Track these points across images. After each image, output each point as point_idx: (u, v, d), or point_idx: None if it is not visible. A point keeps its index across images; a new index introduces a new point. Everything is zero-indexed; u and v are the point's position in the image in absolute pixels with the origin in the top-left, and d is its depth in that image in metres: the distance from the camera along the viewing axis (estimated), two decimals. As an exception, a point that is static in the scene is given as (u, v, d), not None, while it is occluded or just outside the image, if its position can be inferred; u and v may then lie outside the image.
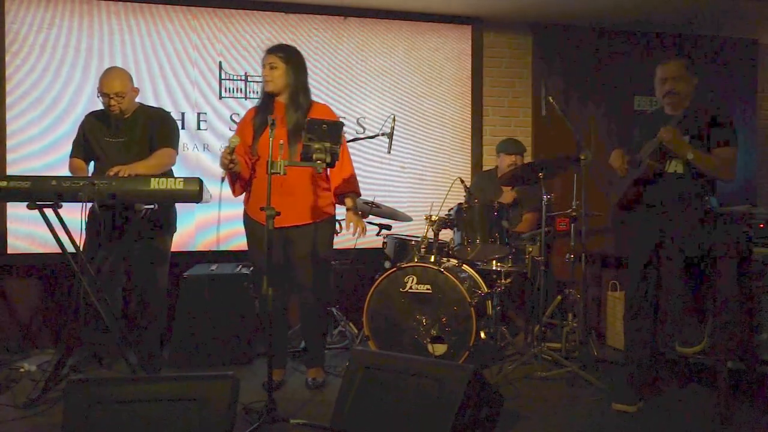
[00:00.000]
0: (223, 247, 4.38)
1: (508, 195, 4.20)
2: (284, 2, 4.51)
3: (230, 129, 4.43)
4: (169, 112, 3.59)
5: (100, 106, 3.41)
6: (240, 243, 4.36)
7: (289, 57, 3.16)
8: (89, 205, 2.85)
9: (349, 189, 3.20)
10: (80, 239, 2.89)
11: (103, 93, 3.28)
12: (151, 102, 4.13)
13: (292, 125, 3.08)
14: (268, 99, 3.18)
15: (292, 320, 3.68)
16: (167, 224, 3.42)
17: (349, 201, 3.20)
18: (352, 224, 3.17)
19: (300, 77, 3.17)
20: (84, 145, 3.40)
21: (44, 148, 4.14)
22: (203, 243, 4.37)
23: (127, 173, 3.07)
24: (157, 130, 3.37)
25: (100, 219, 3.21)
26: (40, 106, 4.16)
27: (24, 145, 4.14)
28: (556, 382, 3.38)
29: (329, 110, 3.29)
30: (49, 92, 4.17)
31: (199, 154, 4.38)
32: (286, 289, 3.30)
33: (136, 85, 3.41)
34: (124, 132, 3.34)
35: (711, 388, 3.14)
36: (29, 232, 4.06)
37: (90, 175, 3.35)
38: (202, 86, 4.41)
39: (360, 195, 3.33)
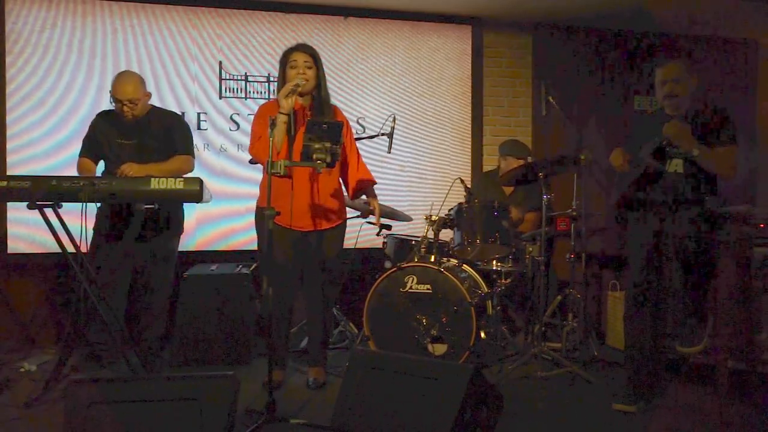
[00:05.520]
0: (223, 246, 4.40)
1: (515, 213, 4.15)
2: (284, 2, 4.51)
3: (231, 129, 4.44)
4: (182, 116, 3.56)
5: (104, 107, 3.41)
6: (239, 241, 4.41)
7: (317, 56, 3.17)
8: (89, 205, 2.85)
9: (369, 185, 3.33)
10: (80, 239, 2.89)
11: (116, 99, 3.27)
12: (152, 101, 4.13)
13: None
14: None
15: (293, 320, 3.68)
16: (174, 225, 3.42)
17: (374, 200, 3.35)
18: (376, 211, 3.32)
19: (325, 78, 3.21)
20: (94, 145, 3.40)
21: (47, 151, 4.13)
22: (203, 239, 4.38)
23: (137, 173, 3.07)
24: (175, 136, 3.38)
25: (103, 218, 3.24)
26: (43, 108, 4.15)
27: (26, 147, 4.13)
28: (556, 382, 3.38)
29: (342, 114, 3.34)
30: (52, 94, 4.16)
31: (200, 154, 4.38)
32: (295, 290, 3.33)
33: (148, 89, 3.41)
34: (136, 134, 3.33)
35: (711, 388, 3.14)
36: (29, 232, 4.06)
37: (99, 175, 3.36)
38: (203, 85, 4.42)
39: (375, 183, 3.44)
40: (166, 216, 3.33)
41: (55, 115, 4.16)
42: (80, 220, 2.80)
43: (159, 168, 3.21)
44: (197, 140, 4.36)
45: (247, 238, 4.34)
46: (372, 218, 4.09)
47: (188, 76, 4.38)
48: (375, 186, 3.39)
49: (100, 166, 3.44)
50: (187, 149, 3.44)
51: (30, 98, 4.14)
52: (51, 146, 4.14)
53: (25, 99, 4.13)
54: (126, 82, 3.27)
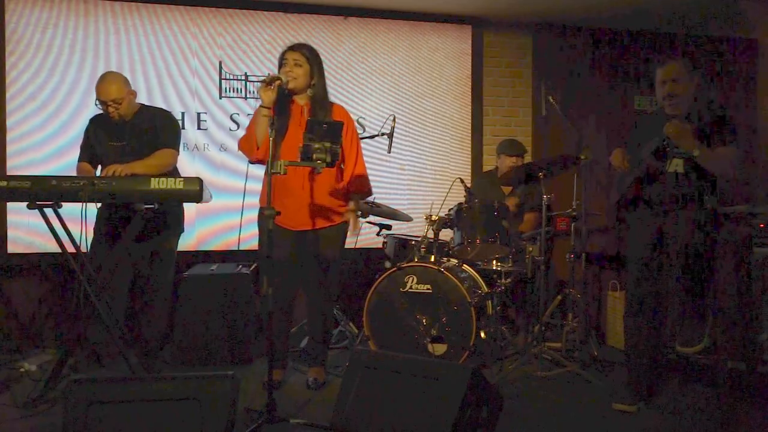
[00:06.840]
0: (223, 241, 4.40)
1: (510, 201, 4.17)
2: (284, 2, 4.51)
3: (230, 129, 4.44)
4: (170, 112, 3.57)
5: None
6: (237, 238, 4.40)
7: (312, 56, 3.15)
8: (89, 205, 2.85)
9: (356, 189, 3.24)
10: (80, 240, 2.89)
11: (100, 100, 3.27)
12: (153, 101, 4.13)
13: None
14: (284, 98, 3.09)
15: (293, 320, 3.68)
16: (173, 225, 3.42)
17: (352, 202, 3.24)
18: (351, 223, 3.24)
19: (323, 77, 3.18)
20: (89, 150, 3.40)
21: (48, 155, 4.12)
22: (203, 235, 4.38)
23: (123, 173, 3.07)
24: (158, 130, 3.36)
25: (102, 218, 3.24)
26: (44, 111, 4.14)
27: (26, 151, 4.12)
28: (556, 382, 3.38)
29: (345, 111, 3.29)
30: (54, 96, 4.15)
31: (200, 153, 4.38)
32: (295, 290, 3.32)
33: (133, 88, 3.39)
34: (127, 136, 3.33)
35: (711, 388, 3.15)
36: (29, 232, 4.05)
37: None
38: (204, 84, 4.42)
39: (371, 194, 3.36)
40: (166, 215, 3.33)
41: (57, 118, 4.15)
42: (80, 221, 2.80)
43: (142, 164, 3.19)
44: (198, 139, 4.38)
45: (246, 235, 4.33)
46: (372, 218, 4.10)
47: (189, 75, 4.38)
48: (375, 186, 3.37)
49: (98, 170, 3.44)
50: (171, 143, 3.37)
51: (31, 101, 4.12)
52: (53, 150, 4.13)
53: (27, 101, 4.12)
54: (108, 83, 3.26)
